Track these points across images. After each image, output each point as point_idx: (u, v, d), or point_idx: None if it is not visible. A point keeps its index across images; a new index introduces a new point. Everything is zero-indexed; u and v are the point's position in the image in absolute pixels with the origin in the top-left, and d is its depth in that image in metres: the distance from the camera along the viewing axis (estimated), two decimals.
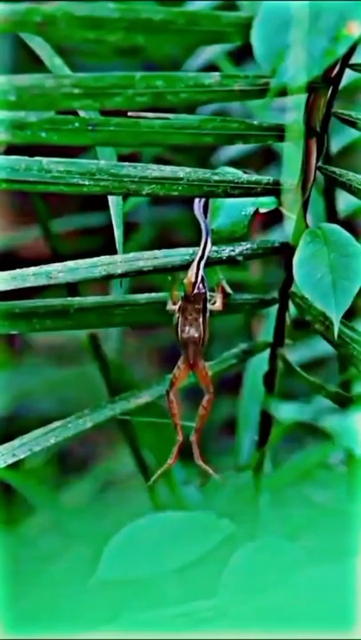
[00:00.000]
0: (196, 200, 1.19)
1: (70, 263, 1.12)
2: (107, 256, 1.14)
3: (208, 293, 1.16)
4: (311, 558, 1.15)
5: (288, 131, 1.11)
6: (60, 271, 1.11)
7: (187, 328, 1.14)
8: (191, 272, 1.13)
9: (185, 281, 1.13)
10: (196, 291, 1.13)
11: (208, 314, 1.15)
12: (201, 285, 1.14)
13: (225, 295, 1.17)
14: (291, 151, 1.15)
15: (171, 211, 1.90)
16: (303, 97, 1.11)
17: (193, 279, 1.13)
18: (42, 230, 1.55)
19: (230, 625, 1.04)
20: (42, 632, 1.21)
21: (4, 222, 2.31)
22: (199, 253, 1.14)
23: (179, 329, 1.14)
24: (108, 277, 1.12)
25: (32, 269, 1.11)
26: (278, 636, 1.01)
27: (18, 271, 1.10)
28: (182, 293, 1.14)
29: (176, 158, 1.74)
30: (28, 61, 2.01)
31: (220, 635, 1.03)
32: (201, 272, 1.14)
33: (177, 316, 1.14)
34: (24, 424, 1.94)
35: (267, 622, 1.02)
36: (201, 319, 1.14)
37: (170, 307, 1.15)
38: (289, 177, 1.15)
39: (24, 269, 1.10)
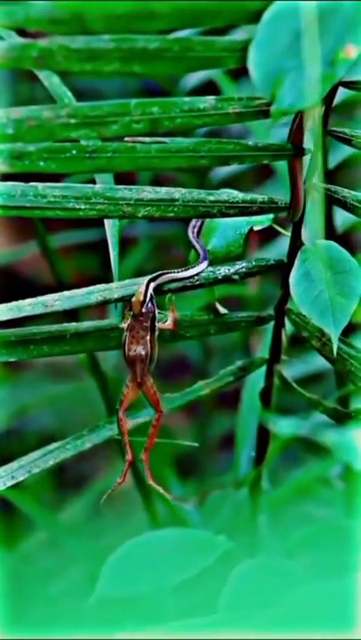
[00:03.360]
0: (190, 226, 1.19)
1: (66, 292, 1.12)
2: (103, 284, 1.14)
3: (159, 312, 1.15)
4: (311, 574, 1.16)
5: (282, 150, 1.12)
6: (57, 300, 1.12)
7: (133, 346, 1.13)
8: (140, 290, 1.13)
9: (133, 299, 1.13)
10: (144, 309, 1.14)
11: (156, 332, 1.14)
12: (150, 304, 1.14)
13: (175, 314, 1.16)
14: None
15: (168, 225, 1.90)
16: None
17: (141, 297, 1.13)
18: (40, 245, 1.56)
19: (230, 628, 1.04)
20: None
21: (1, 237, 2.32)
22: (156, 273, 1.15)
23: (126, 347, 1.13)
24: (105, 303, 1.13)
25: (28, 300, 1.11)
26: (278, 637, 1.01)
27: (14, 303, 1.11)
28: (131, 311, 1.14)
29: (178, 175, 1.75)
30: (24, 78, 2.02)
31: (220, 636, 1.03)
32: (150, 290, 1.14)
33: (125, 333, 1.14)
34: (22, 439, 1.95)
35: (267, 626, 1.03)
36: (148, 337, 1.13)
37: (122, 324, 1.15)
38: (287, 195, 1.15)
39: (20, 301, 1.11)
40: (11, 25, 0.95)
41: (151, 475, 1.15)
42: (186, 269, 1.16)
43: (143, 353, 1.13)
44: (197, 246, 1.18)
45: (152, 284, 1.14)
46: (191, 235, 1.19)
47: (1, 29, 1.12)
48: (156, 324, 1.13)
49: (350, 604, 1.01)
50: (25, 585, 1.54)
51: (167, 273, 1.15)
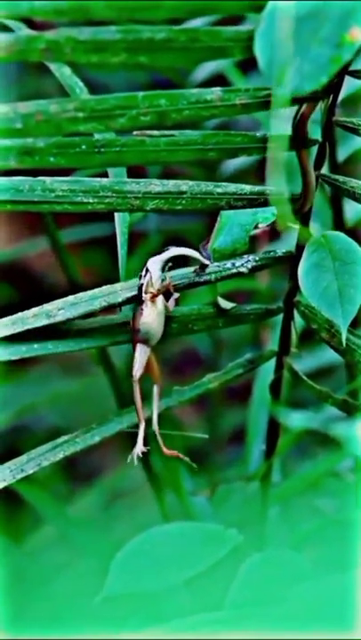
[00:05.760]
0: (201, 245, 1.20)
1: (70, 298, 1.13)
2: (107, 286, 1.15)
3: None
4: (319, 568, 1.15)
5: (278, 140, 1.11)
6: (60, 308, 1.12)
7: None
8: None
9: None
10: (138, 282, 1.15)
11: (147, 303, 1.15)
12: (145, 276, 1.15)
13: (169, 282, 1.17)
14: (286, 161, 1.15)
15: (178, 219, 1.90)
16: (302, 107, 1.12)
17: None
18: (49, 241, 1.56)
19: (232, 627, 1.04)
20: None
21: (9, 232, 2.32)
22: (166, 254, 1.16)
23: None
24: (110, 307, 1.14)
25: (32, 311, 1.12)
26: (280, 636, 1.01)
27: (18, 315, 1.11)
28: None
29: (188, 170, 1.75)
30: (31, 73, 2.02)
31: (221, 635, 1.03)
32: (148, 264, 1.15)
33: None
34: (30, 436, 1.95)
35: (269, 624, 1.02)
36: (135, 308, 1.15)
37: None
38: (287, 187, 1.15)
39: (24, 312, 1.11)
40: (15, 15, 0.95)
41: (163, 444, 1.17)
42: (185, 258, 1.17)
43: (130, 323, 1.15)
44: (203, 253, 1.18)
45: (153, 258, 1.16)
46: (201, 250, 1.20)
47: (10, 21, 1.13)
48: (146, 293, 1.14)
49: (354, 601, 1.01)
50: (29, 582, 1.54)
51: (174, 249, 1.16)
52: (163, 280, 1.16)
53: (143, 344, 1.15)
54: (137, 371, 1.16)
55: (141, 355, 1.15)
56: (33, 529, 1.71)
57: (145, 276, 1.15)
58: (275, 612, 1.05)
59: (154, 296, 1.15)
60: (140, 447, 1.16)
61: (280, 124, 1.06)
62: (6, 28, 1.17)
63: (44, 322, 1.11)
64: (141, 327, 1.14)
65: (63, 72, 1.19)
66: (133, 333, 1.15)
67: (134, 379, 1.16)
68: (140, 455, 1.16)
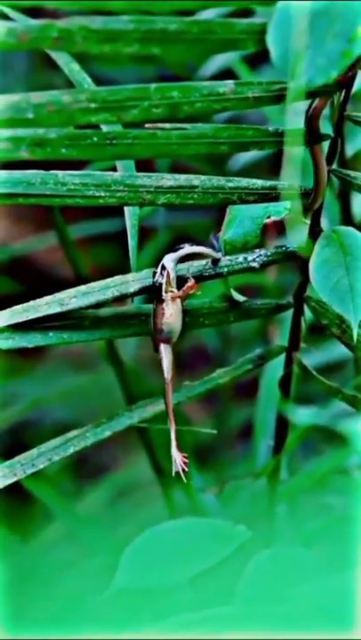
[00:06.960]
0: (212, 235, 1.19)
1: (82, 287, 1.13)
2: (119, 276, 1.15)
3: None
4: (328, 566, 1.15)
5: (293, 135, 1.11)
6: (73, 296, 1.12)
7: None
8: None
9: None
10: (154, 279, 1.15)
11: (166, 302, 1.14)
12: (159, 276, 1.14)
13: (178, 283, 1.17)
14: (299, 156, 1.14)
15: (186, 214, 1.90)
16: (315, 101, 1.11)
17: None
18: (58, 237, 1.55)
19: (238, 624, 1.04)
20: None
21: (16, 228, 2.32)
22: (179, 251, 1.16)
23: None
24: (122, 297, 1.13)
25: (45, 299, 1.12)
26: (281, 636, 1.01)
27: (31, 303, 1.11)
28: None
29: (197, 166, 1.75)
30: (43, 67, 2.02)
31: (225, 633, 1.03)
32: (163, 262, 1.15)
33: None
34: (37, 431, 1.95)
35: (276, 622, 1.02)
36: (155, 307, 1.15)
37: None
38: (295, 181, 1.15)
39: (36, 300, 1.11)
40: (25, 4, 0.95)
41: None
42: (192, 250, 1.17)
43: (151, 322, 1.15)
44: (215, 244, 1.18)
45: (168, 255, 1.15)
46: (212, 239, 1.19)
47: (13, 14, 1.12)
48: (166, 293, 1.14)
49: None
50: (32, 580, 1.53)
51: (189, 247, 1.16)
52: (184, 279, 1.15)
53: (166, 343, 1.15)
54: (168, 372, 1.15)
55: (167, 354, 1.15)
56: (35, 528, 1.70)
57: (162, 274, 1.14)
58: (282, 610, 1.04)
59: (176, 297, 1.14)
60: (176, 454, 1.15)
61: (295, 118, 1.06)
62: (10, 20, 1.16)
63: (56, 309, 1.11)
64: (164, 327, 1.14)
65: (72, 67, 1.19)
66: (156, 333, 1.15)
67: (167, 380, 1.15)
68: (183, 466, 1.15)
